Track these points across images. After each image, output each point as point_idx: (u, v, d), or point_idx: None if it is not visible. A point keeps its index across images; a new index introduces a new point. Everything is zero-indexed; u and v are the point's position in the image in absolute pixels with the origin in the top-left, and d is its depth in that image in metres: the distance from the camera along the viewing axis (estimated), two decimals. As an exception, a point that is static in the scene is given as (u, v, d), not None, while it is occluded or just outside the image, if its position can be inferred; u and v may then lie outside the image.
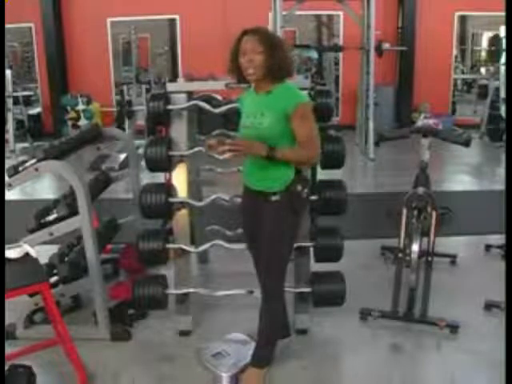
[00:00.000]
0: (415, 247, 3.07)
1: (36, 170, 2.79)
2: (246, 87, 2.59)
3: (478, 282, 3.67)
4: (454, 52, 10.43)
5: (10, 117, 8.76)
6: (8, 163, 3.15)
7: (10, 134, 8.73)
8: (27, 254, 2.50)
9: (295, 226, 2.51)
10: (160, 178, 3.79)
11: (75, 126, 8.75)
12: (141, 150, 3.31)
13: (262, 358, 2.61)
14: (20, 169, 2.82)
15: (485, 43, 11.67)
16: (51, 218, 2.93)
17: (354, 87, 9.12)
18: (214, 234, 3.66)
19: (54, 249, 3.35)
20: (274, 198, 2.40)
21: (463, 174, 7.10)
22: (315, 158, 2.44)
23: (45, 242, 2.91)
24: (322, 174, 3.06)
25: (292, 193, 2.40)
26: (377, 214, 5.01)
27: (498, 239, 4.11)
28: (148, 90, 9.63)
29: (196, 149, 2.98)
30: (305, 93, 2.62)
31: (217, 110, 2.94)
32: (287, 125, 2.33)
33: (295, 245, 2.73)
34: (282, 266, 2.50)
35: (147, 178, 3.65)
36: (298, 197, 2.43)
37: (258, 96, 2.43)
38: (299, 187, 2.41)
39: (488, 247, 4.19)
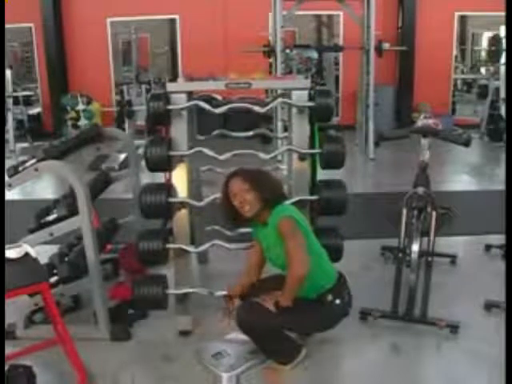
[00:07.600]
0: (415, 247, 3.07)
1: (36, 170, 2.79)
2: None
3: (478, 282, 3.67)
4: (454, 52, 10.43)
5: (10, 117, 8.76)
6: (8, 163, 3.15)
7: (10, 134, 8.71)
8: (27, 254, 2.49)
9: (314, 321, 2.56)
10: (160, 177, 3.79)
11: (75, 126, 8.76)
12: (141, 150, 3.31)
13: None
14: (20, 169, 2.81)
15: (485, 43, 11.65)
16: (51, 218, 2.93)
17: (354, 87, 9.12)
18: (214, 233, 3.65)
19: (53, 249, 3.35)
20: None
21: (463, 174, 7.10)
22: (301, 272, 2.35)
23: (45, 242, 2.91)
24: (322, 174, 3.06)
25: (323, 302, 2.50)
26: (377, 214, 5.00)
27: (498, 239, 4.11)
28: (148, 90, 9.64)
29: (196, 149, 2.97)
30: (288, 205, 2.63)
31: (217, 110, 2.94)
32: None
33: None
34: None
35: (147, 178, 3.65)
36: (327, 305, 2.52)
37: (263, 228, 2.56)
38: (330, 297, 2.50)
39: (488, 247, 4.19)
